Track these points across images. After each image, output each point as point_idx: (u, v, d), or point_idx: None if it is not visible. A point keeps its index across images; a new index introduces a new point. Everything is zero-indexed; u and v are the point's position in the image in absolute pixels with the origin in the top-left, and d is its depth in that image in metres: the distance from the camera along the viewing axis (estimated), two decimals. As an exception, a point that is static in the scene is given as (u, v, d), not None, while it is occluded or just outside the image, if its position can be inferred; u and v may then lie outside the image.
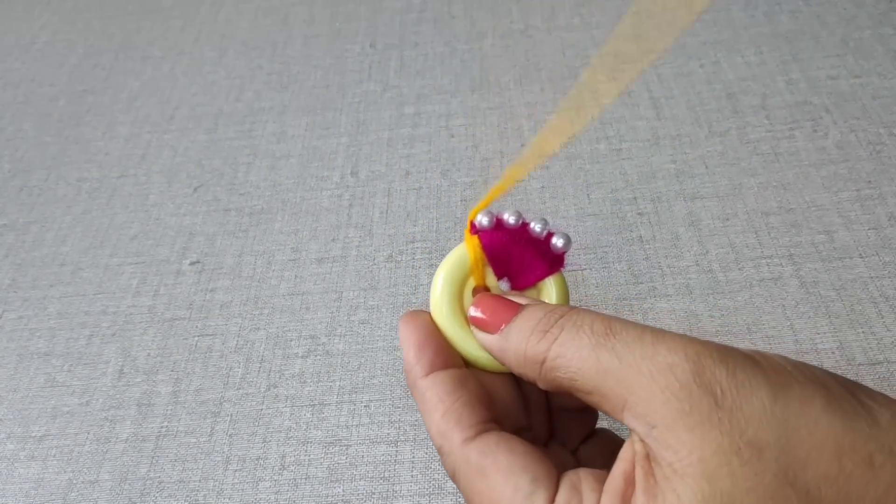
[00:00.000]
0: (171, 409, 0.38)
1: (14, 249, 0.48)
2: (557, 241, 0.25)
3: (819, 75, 0.49)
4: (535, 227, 0.25)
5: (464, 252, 0.26)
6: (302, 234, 0.46)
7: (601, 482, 0.21)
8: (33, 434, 0.38)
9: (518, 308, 0.24)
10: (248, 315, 0.42)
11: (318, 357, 0.39)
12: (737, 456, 0.18)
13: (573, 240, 0.26)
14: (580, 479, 0.21)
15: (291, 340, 0.40)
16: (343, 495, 0.34)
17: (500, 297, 0.25)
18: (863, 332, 0.36)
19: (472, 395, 0.24)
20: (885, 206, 0.41)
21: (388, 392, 0.37)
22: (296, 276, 0.43)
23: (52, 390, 0.40)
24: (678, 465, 0.18)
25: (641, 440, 0.19)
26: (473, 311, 0.25)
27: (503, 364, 0.24)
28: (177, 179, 0.51)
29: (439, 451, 0.23)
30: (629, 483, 0.20)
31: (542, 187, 0.45)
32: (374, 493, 0.33)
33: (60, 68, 0.63)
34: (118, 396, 0.39)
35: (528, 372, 0.23)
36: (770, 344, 0.36)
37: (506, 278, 0.26)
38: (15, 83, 0.63)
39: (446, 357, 0.25)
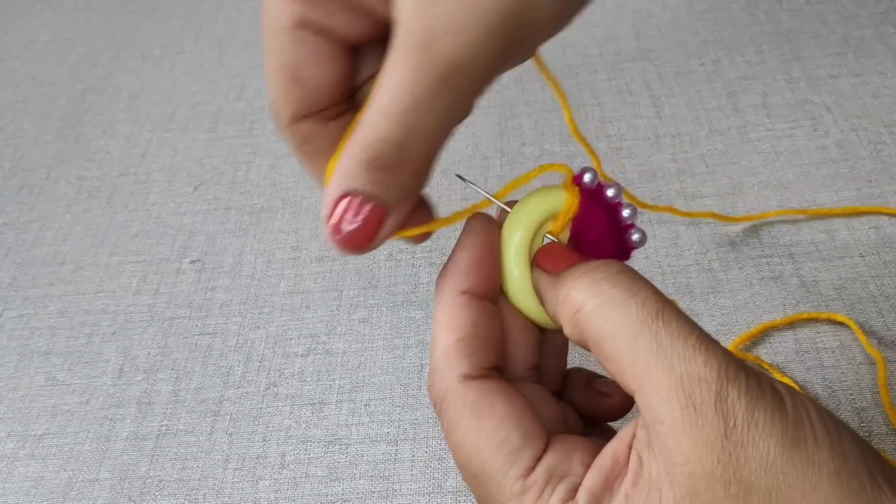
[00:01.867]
0: (171, 408, 0.38)
1: (14, 248, 0.48)
2: (634, 235, 0.25)
3: (820, 74, 0.49)
4: (625, 212, 0.25)
5: (554, 199, 0.25)
6: (302, 233, 0.46)
7: (593, 454, 0.21)
8: (33, 432, 0.38)
9: (583, 261, 0.23)
10: (248, 314, 0.42)
11: (318, 356, 0.39)
12: (724, 487, 0.18)
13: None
14: (574, 447, 0.21)
15: (291, 339, 0.40)
16: (343, 494, 0.34)
17: (571, 249, 0.24)
18: (863, 331, 0.36)
19: (492, 337, 0.23)
20: (886, 205, 0.41)
21: (388, 391, 0.37)
22: (296, 274, 0.43)
23: (53, 389, 0.40)
24: (670, 468, 0.18)
25: (646, 427, 0.19)
26: (542, 254, 0.24)
27: (543, 302, 0.23)
28: (177, 178, 0.51)
29: (435, 371, 0.23)
30: (618, 464, 0.20)
31: (543, 183, 0.45)
32: (373, 492, 0.33)
33: (61, 67, 0.63)
34: (118, 395, 0.39)
35: (561, 314, 0.22)
36: (770, 343, 0.36)
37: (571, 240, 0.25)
38: (15, 82, 0.63)
39: (492, 286, 0.24)
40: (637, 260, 0.40)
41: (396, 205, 0.22)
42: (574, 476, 0.20)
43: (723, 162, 0.45)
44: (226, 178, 0.50)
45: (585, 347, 0.21)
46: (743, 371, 0.19)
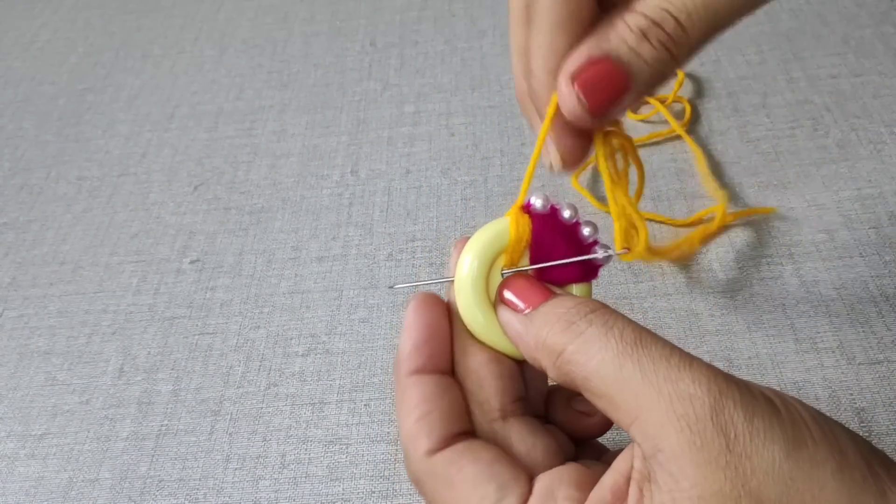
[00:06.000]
0: (171, 408, 0.38)
1: (14, 248, 0.48)
2: (599, 254, 0.25)
3: (820, 74, 0.49)
4: (585, 230, 0.25)
5: (501, 230, 0.25)
6: (302, 233, 0.46)
7: (580, 489, 0.21)
8: (33, 432, 0.38)
9: (549, 294, 0.23)
10: (249, 313, 0.42)
11: (318, 356, 0.39)
12: (734, 503, 0.17)
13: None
14: (557, 484, 0.21)
15: (291, 339, 0.40)
16: (343, 494, 0.34)
17: (534, 280, 0.24)
18: (863, 331, 0.36)
19: (450, 406, 0.23)
20: (886, 206, 0.41)
21: (388, 390, 0.37)
22: (296, 274, 0.43)
23: (53, 389, 0.40)
24: (677, 494, 0.18)
25: (644, 458, 0.19)
26: (506, 292, 0.24)
27: (518, 347, 0.23)
28: (177, 178, 0.51)
29: (405, 453, 0.23)
30: (618, 497, 0.19)
31: (543, 185, 0.45)
32: (373, 492, 0.33)
33: (61, 67, 0.63)
34: (118, 395, 0.39)
35: (542, 359, 0.22)
36: (770, 343, 0.36)
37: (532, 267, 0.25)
38: (15, 82, 0.63)
39: (439, 361, 0.24)
40: (637, 260, 0.40)
41: (644, 83, 0.22)
42: None
43: (723, 162, 0.45)
44: (226, 178, 0.50)
45: (574, 388, 0.21)
46: (734, 382, 0.19)
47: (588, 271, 0.25)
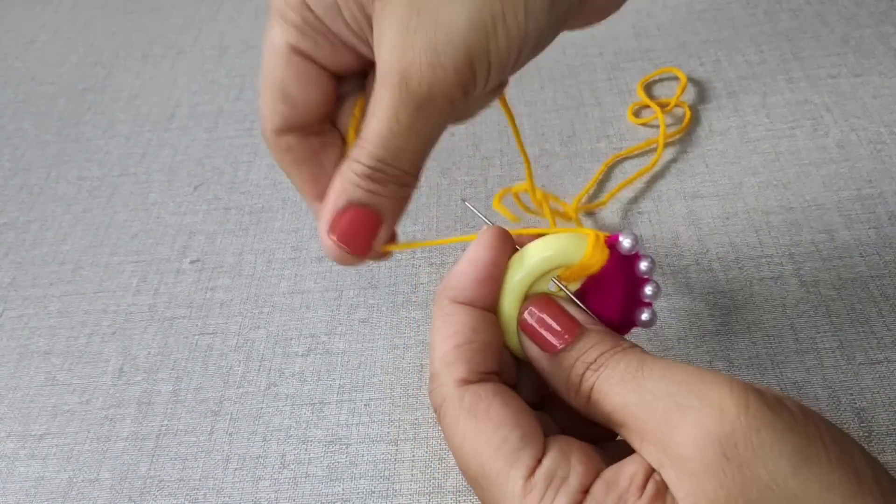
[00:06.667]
0: (171, 408, 0.38)
1: (14, 248, 0.48)
2: (644, 315, 0.25)
3: (820, 74, 0.49)
4: (647, 289, 0.25)
5: (575, 250, 0.24)
6: (302, 233, 0.46)
7: (589, 456, 0.21)
8: (33, 432, 0.38)
9: (576, 330, 0.23)
10: (249, 314, 0.42)
11: (318, 356, 0.39)
12: None
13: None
14: (570, 448, 0.21)
15: (291, 339, 0.40)
16: (343, 494, 0.34)
17: (560, 308, 0.24)
18: (863, 331, 0.36)
19: (489, 343, 0.24)
20: (886, 206, 0.41)
21: (388, 391, 0.37)
22: (296, 274, 0.43)
23: (53, 389, 0.40)
24: (684, 502, 0.18)
25: (661, 467, 0.19)
26: (528, 316, 0.24)
27: (544, 375, 0.24)
28: (177, 178, 0.51)
29: (434, 377, 0.23)
30: (636, 486, 0.19)
31: (542, 185, 0.45)
32: (373, 492, 0.33)
33: (60, 67, 0.63)
34: (118, 395, 0.39)
35: (570, 398, 0.23)
36: (770, 343, 0.36)
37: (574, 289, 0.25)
38: (15, 82, 0.63)
39: (493, 300, 0.24)
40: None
41: (389, 212, 0.24)
42: (574, 479, 0.20)
43: (723, 162, 0.45)
44: (226, 178, 0.50)
45: (603, 423, 0.22)
46: (740, 388, 0.19)
47: (625, 324, 0.25)
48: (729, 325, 0.37)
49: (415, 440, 0.35)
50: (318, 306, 0.41)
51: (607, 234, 0.25)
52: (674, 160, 0.45)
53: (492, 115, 0.51)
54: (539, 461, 0.20)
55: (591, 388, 0.22)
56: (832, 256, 0.39)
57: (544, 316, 0.24)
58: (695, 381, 0.19)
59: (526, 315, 0.24)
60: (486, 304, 0.24)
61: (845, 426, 0.33)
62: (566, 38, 0.55)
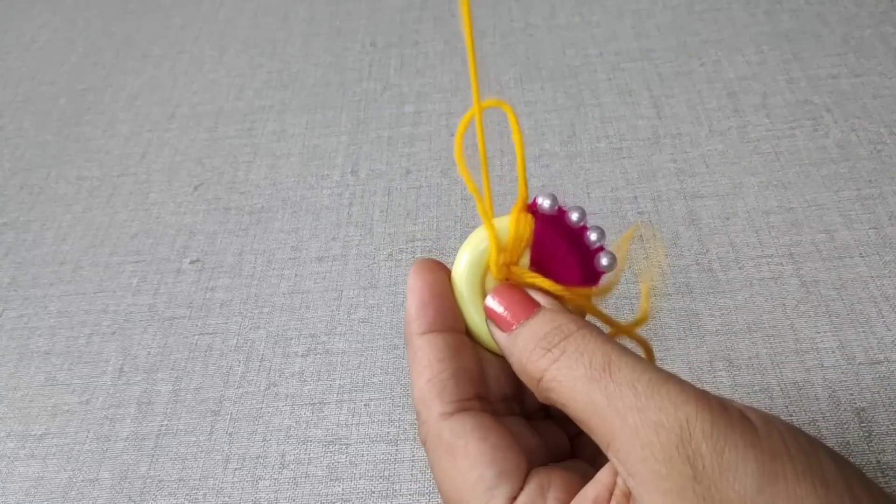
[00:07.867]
0: (171, 408, 0.38)
1: (14, 248, 0.48)
2: (603, 260, 0.24)
3: (820, 74, 0.49)
4: (592, 236, 0.24)
5: (501, 227, 0.24)
6: (302, 233, 0.46)
7: (568, 488, 0.21)
8: (33, 432, 0.38)
9: (533, 309, 0.23)
10: (248, 314, 0.42)
11: (318, 356, 0.39)
12: None
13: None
14: (549, 483, 0.21)
15: (291, 339, 0.40)
16: (343, 494, 0.34)
17: (519, 292, 0.24)
18: (863, 331, 0.36)
19: (462, 366, 0.23)
20: (886, 206, 0.41)
21: (388, 391, 0.37)
22: (296, 274, 0.43)
23: (53, 389, 0.40)
24: None
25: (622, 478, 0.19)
26: (490, 302, 0.24)
27: (506, 356, 0.23)
28: (177, 178, 0.51)
29: (417, 415, 0.23)
30: None
31: (542, 185, 0.45)
32: (373, 492, 0.33)
33: (61, 67, 0.63)
34: (118, 395, 0.39)
35: (526, 381, 0.22)
36: (770, 343, 0.36)
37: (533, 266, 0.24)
38: (15, 82, 0.63)
39: (448, 318, 0.24)
40: (638, 260, 0.40)
41: None
42: None
43: (723, 162, 0.45)
44: (226, 178, 0.50)
45: (557, 408, 0.22)
46: (706, 406, 0.18)
47: (589, 276, 0.25)
48: (729, 326, 0.37)
49: (415, 440, 0.35)
50: (318, 306, 0.41)
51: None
52: (673, 160, 0.45)
53: (492, 115, 0.51)
54: (514, 499, 0.20)
55: (544, 374, 0.21)
56: (832, 256, 0.39)
57: (505, 295, 0.24)
58: (663, 397, 0.19)
59: (488, 302, 0.24)
60: (448, 324, 0.24)
61: (845, 426, 0.33)
62: (566, 38, 0.55)
